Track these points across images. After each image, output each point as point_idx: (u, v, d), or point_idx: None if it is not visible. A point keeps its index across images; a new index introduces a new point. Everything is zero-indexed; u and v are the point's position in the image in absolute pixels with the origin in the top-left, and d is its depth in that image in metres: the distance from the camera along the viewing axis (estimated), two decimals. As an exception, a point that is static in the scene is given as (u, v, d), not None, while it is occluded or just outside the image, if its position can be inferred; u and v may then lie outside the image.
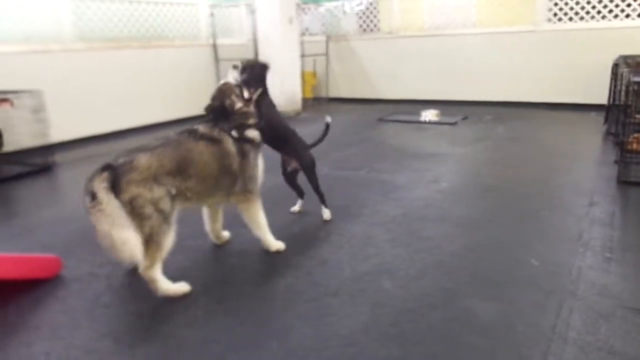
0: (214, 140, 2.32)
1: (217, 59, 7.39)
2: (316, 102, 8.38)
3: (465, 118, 6.41)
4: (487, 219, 3.00)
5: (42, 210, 3.49)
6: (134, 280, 2.26)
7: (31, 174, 4.24)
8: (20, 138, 4.25)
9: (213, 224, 2.64)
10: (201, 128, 2.36)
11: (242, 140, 2.40)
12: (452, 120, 6.23)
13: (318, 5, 8.64)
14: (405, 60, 7.95)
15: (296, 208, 3.14)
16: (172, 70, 6.68)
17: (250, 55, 7.49)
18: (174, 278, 2.26)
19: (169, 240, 2.13)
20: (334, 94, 8.64)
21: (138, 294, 2.18)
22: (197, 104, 7.61)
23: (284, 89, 7.13)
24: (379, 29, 8.28)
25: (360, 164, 4.29)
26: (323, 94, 8.65)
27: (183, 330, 1.91)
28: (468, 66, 7.45)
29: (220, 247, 2.64)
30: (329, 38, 8.51)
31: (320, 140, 3.11)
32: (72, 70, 5.42)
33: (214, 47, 7.39)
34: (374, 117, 6.70)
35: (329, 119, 3.13)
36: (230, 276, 2.35)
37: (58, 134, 4.72)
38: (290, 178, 3.08)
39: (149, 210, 2.04)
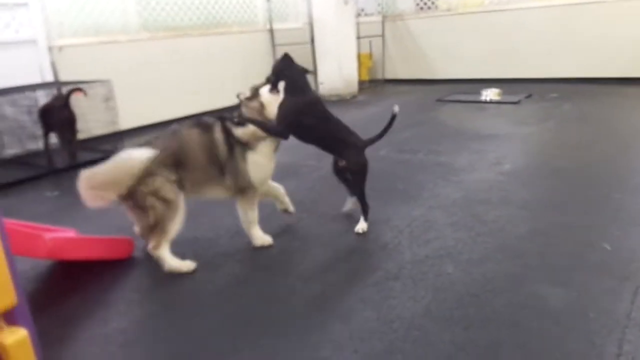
0: (206, 128, 2.39)
1: (273, 44, 7.45)
2: (372, 85, 8.30)
3: (528, 96, 6.16)
4: (554, 201, 2.89)
5: (114, 195, 3.69)
6: (198, 261, 2.36)
7: (103, 160, 4.46)
8: (93, 126, 4.49)
9: (279, 203, 2.81)
10: (205, 118, 2.47)
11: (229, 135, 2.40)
12: (515, 99, 6.00)
13: (374, -16, 8.51)
14: (464, 38, 7.70)
15: (347, 207, 2.83)
16: (231, 56, 6.80)
17: (306, 39, 7.50)
18: (237, 260, 2.35)
19: (175, 225, 2.28)
20: (390, 75, 8.52)
21: (203, 274, 2.28)
22: (257, 89, 7.67)
23: (341, 72, 7.10)
24: (436, 7, 8.05)
25: (418, 147, 4.23)
26: (379, 76, 8.54)
27: (246, 308, 1.97)
28: (531, 41, 7.12)
29: (283, 232, 2.69)
30: (384, 18, 8.36)
31: (382, 134, 2.70)
32: (138, 60, 5.64)
33: (271, 32, 7.44)
34: (432, 98, 6.56)
35: (396, 108, 2.66)
36: (292, 260, 2.40)
37: (126, 121, 4.94)
38: (340, 174, 2.76)
39: (150, 201, 2.21)
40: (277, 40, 7.44)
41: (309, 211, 2.95)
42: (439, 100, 6.42)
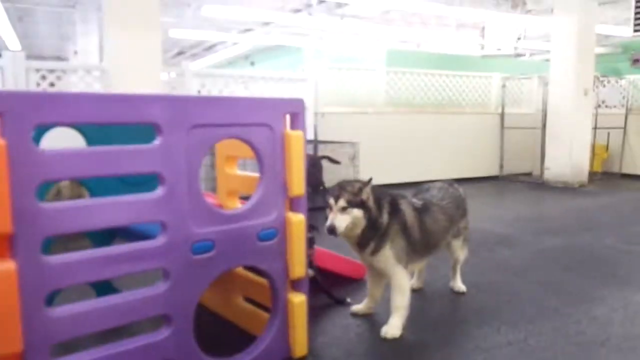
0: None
1: (502, 127, 7.76)
2: (605, 176, 7.87)
3: None
4: None
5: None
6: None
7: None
8: (338, 177, 5.40)
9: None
10: None
11: None
12: None
13: (620, 77, 8.24)
14: None
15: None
16: (461, 133, 7.36)
17: (536, 124, 7.63)
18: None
19: None
20: (628, 170, 7.96)
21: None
22: (481, 166, 8.12)
23: (571, 159, 6.99)
24: (695, 103, 7.39)
25: (650, 241, 4.05)
26: (616, 169, 8.06)
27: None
28: None
29: (493, 289, 2.98)
30: (629, 111, 7.96)
31: None
32: (381, 129, 6.59)
33: (502, 115, 7.79)
34: (678, 198, 6.00)
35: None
36: (497, 308, 2.66)
37: (364, 178, 5.79)
38: None
39: None
40: (507, 124, 7.73)
41: (520, 276, 3.18)
42: (685, 201, 5.85)
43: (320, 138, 5.95)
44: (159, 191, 1.68)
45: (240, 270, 2.34)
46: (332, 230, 2.19)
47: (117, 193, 1.66)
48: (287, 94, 5.93)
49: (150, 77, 4.21)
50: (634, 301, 2.76)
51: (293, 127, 2.04)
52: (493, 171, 7.86)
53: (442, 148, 7.16)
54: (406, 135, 6.82)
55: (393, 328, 2.32)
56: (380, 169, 6.40)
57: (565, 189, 6.86)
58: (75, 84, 4.55)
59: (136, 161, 1.64)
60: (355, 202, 2.23)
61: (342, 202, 2.22)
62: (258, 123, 1.91)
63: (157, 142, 1.66)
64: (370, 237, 2.31)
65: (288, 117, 2.03)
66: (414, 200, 2.55)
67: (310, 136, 5.95)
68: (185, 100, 1.72)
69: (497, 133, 7.77)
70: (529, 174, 8.09)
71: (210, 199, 2.59)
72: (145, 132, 1.70)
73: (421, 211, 2.49)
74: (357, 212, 2.23)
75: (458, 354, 2.16)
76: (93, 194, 2.32)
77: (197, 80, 5.35)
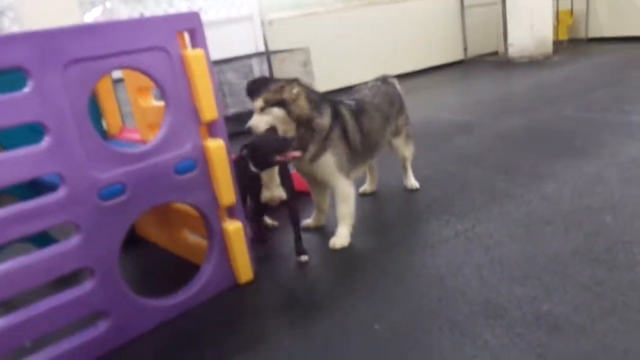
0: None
1: (462, 6, 7.40)
2: (572, 44, 7.66)
3: None
4: None
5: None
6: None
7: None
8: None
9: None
10: None
11: None
12: None
13: None
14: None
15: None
16: (421, 21, 7.01)
17: (498, -1, 7.28)
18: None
19: None
20: (594, 33, 7.74)
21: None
22: (446, 52, 7.83)
23: (533, 31, 6.74)
24: (660, -49, 7.02)
25: (609, 106, 3.97)
26: (582, 35, 7.83)
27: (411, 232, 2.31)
28: None
29: (446, 177, 2.94)
30: (592, -30, 7.59)
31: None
32: (333, 28, 6.24)
33: (461, -6, 7.41)
34: (642, 57, 5.87)
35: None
36: (451, 200, 2.63)
37: (321, 84, 5.56)
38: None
39: None
40: (467, 2, 7.37)
41: (475, 163, 3.13)
42: (650, 58, 5.73)
43: (271, 48, 5.64)
44: (46, 141, 1.53)
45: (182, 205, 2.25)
46: (250, 131, 2.13)
47: (32, 143, 1.53)
48: (231, 6, 5.53)
49: (66, 10, 3.84)
50: (586, 172, 2.73)
51: (193, 45, 1.85)
52: (458, 55, 7.61)
53: (402, 39, 6.85)
54: (362, 31, 6.47)
55: (341, 238, 2.29)
56: (338, 71, 6.16)
57: (530, 63, 6.68)
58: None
59: (10, 112, 1.47)
60: (275, 101, 2.12)
61: (259, 102, 2.13)
62: (148, 47, 1.72)
63: (28, 88, 1.48)
64: (307, 140, 2.18)
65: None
66: (347, 102, 2.41)
67: (261, 48, 5.66)
68: (52, 34, 1.51)
69: (458, 14, 7.42)
70: (494, 54, 7.86)
71: (134, 135, 2.45)
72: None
73: (356, 113, 2.37)
74: (278, 111, 2.12)
75: (405, 254, 2.15)
76: (7, 148, 2.16)
77: (127, 7, 4.93)
